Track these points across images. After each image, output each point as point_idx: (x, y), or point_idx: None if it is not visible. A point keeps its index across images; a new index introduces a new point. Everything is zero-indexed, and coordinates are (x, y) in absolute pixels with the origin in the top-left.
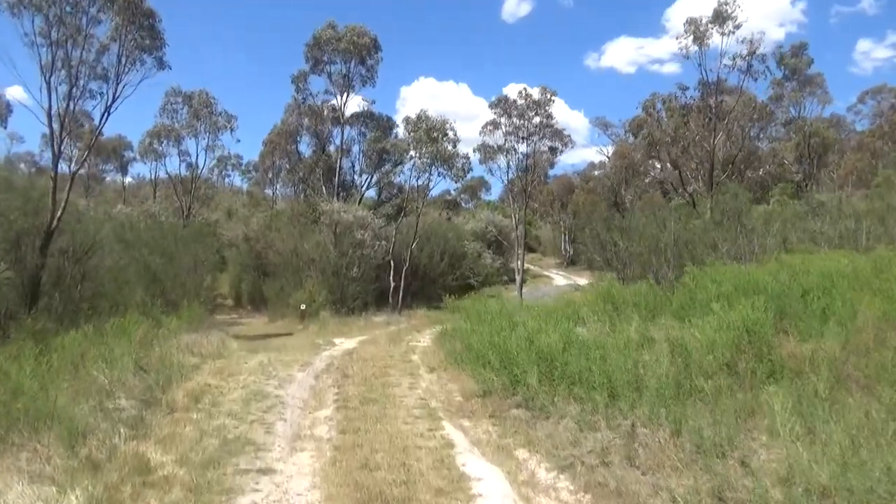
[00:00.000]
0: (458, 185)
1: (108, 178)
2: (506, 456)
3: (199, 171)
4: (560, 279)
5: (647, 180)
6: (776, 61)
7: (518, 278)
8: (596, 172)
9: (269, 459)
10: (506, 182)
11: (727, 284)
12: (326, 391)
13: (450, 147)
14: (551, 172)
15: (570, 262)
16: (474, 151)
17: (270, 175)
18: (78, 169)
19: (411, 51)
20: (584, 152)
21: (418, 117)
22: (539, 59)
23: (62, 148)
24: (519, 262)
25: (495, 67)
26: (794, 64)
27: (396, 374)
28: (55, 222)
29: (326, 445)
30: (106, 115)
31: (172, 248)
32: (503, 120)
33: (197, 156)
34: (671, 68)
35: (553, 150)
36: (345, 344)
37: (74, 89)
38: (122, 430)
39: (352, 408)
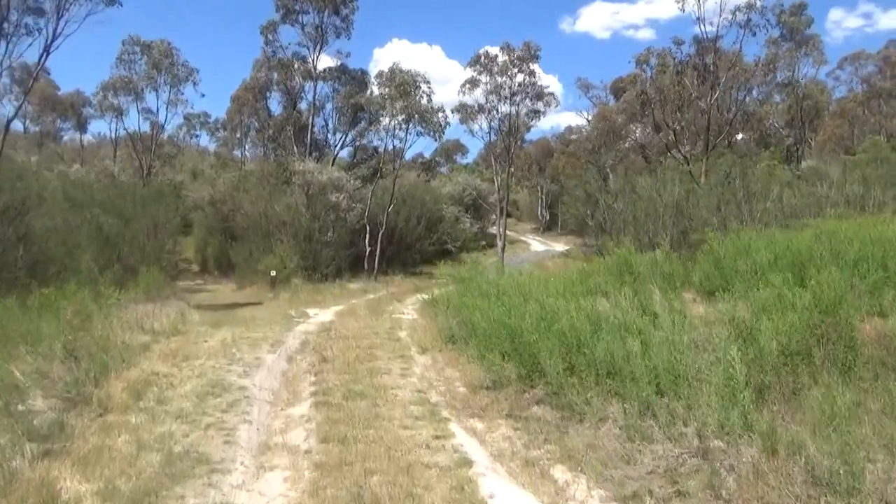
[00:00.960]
0: (437, 143)
1: (66, 137)
2: (540, 477)
3: (161, 128)
4: (538, 245)
5: (626, 144)
6: (775, 19)
7: (500, 243)
8: (573, 136)
9: (226, 487)
10: (487, 143)
11: (764, 253)
12: (302, 379)
13: (424, 101)
14: (528, 136)
15: (547, 228)
16: (453, 112)
17: (239, 135)
18: (13, 117)
19: (384, 12)
20: (559, 117)
21: (391, 70)
22: (514, 22)
23: None
24: (500, 227)
25: (470, 30)
26: (792, 23)
27: (384, 357)
28: None
29: (304, 461)
30: (45, 54)
31: (130, 210)
32: (484, 78)
33: (158, 109)
34: (646, 34)
35: (535, 111)
36: (320, 316)
37: (6, 24)
38: (28, 447)
39: (334, 404)
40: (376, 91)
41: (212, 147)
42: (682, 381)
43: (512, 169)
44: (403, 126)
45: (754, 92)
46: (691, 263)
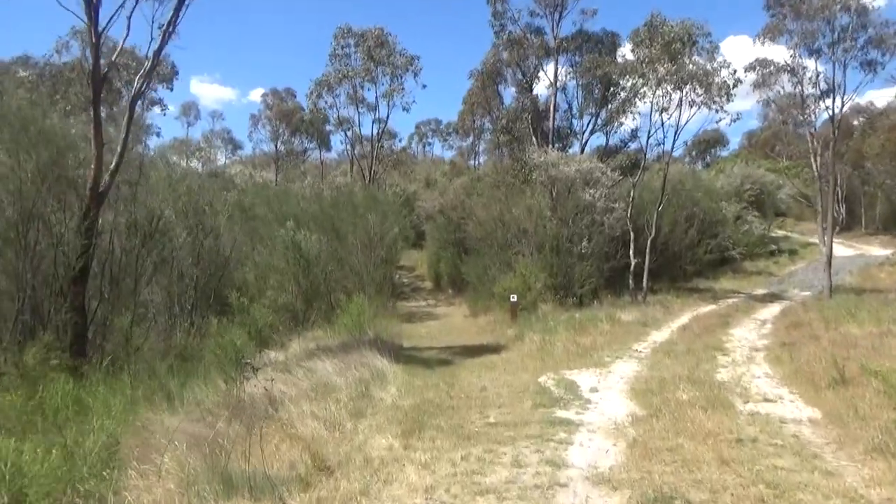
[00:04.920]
0: (719, 115)
1: (314, 156)
2: None
3: (383, 124)
4: (840, 248)
5: None
6: None
7: (825, 250)
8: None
9: None
10: (803, 115)
11: None
12: None
13: (703, 62)
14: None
15: (845, 227)
16: (745, 71)
17: (472, 138)
18: (138, 94)
19: None
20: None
21: (650, 24)
22: None
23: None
24: (826, 229)
25: None
26: None
27: None
28: (103, 183)
29: None
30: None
31: (349, 222)
32: (789, 24)
33: (377, 105)
34: None
35: (870, 63)
36: (603, 398)
37: None
38: None
39: None
40: (630, 56)
41: (447, 156)
42: None
43: (783, 159)
44: (672, 96)
45: None
46: None
